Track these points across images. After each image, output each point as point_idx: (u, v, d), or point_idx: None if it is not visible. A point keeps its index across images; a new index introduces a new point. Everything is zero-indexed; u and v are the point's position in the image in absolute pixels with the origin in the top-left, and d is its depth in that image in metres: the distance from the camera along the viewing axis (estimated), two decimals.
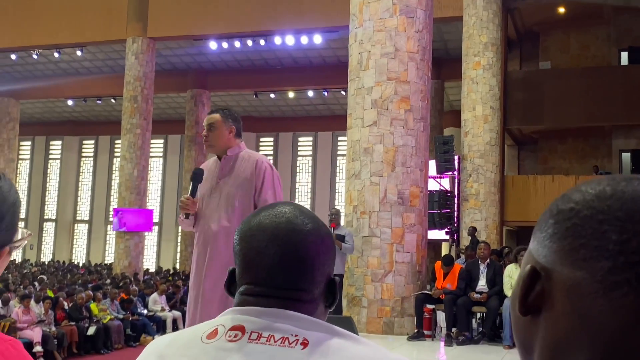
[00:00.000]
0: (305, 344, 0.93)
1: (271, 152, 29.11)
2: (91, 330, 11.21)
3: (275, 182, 3.57)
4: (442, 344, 7.98)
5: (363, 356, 0.94)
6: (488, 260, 8.41)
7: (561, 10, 18.64)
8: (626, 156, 18.94)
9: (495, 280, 8.17)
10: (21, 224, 1.10)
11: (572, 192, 0.65)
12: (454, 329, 8.06)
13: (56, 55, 21.34)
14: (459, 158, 15.49)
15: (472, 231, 13.39)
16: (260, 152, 25.84)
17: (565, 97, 17.32)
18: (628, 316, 0.57)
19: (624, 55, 19.02)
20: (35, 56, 21.75)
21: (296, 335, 0.94)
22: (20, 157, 31.41)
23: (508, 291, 7.94)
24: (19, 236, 1.07)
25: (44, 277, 16.74)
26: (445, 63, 19.90)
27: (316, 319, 0.98)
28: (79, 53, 21.18)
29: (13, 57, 21.68)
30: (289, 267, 0.99)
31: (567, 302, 0.61)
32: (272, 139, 29.06)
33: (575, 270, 0.60)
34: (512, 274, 7.99)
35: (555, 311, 0.62)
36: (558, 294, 0.62)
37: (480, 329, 8.43)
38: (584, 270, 0.60)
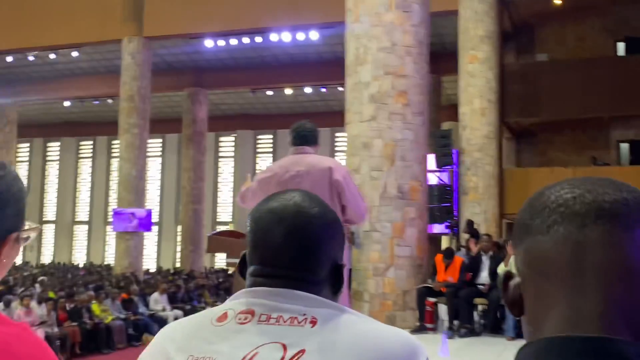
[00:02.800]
0: (314, 322, 0.96)
1: (270, 150, 29.10)
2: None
3: None
4: (445, 336, 7.99)
5: (374, 330, 0.97)
6: (491, 252, 8.42)
7: (557, 1, 18.63)
8: (624, 147, 18.97)
9: (498, 272, 8.18)
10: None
11: None
12: (455, 322, 8.07)
13: (52, 56, 21.32)
14: (457, 152, 15.50)
15: (470, 225, 13.36)
16: (258, 149, 25.61)
17: (562, 89, 17.32)
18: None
19: (621, 46, 19.03)
20: (31, 58, 21.72)
21: (304, 314, 0.97)
22: (18, 159, 31.38)
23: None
24: (27, 227, 1.07)
25: (45, 278, 16.73)
26: (441, 57, 19.85)
27: (323, 299, 1.00)
28: (74, 54, 21.16)
29: (9, 59, 21.64)
30: (293, 247, 1.02)
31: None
32: (270, 136, 29.06)
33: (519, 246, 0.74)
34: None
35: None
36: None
37: (482, 321, 8.45)
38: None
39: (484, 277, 8.29)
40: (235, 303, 1.02)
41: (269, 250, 1.03)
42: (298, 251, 1.02)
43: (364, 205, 3.98)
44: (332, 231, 1.05)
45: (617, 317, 0.66)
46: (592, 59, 18.34)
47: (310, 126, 3.93)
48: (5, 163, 1.07)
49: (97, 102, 25.85)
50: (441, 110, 21.60)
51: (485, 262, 8.35)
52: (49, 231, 31.61)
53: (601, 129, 19.37)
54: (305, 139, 3.84)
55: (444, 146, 15.09)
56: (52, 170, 32.19)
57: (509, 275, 0.75)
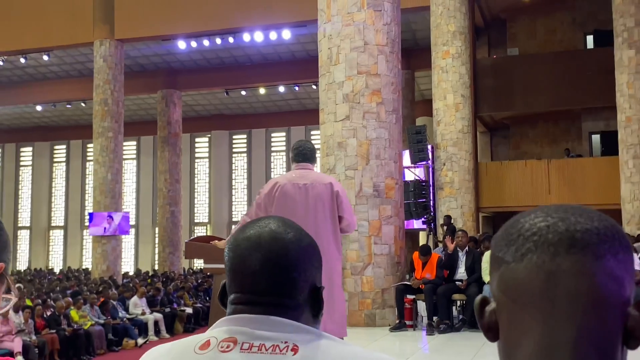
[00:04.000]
0: (295, 349, 0.98)
1: (245, 149, 29.02)
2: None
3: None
4: (424, 333, 8.07)
5: (354, 355, 0.99)
6: (467, 248, 8.50)
7: None
8: (596, 138, 19.24)
9: (475, 267, 8.26)
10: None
11: None
12: (435, 318, 8.15)
13: (22, 60, 21.04)
14: (432, 147, 15.60)
15: (448, 220, 13.51)
16: (234, 149, 25.45)
17: (534, 82, 17.52)
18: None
19: (590, 39, 19.29)
20: (0, 62, 21.42)
21: (286, 342, 0.99)
22: None
23: (487, 277, 8.05)
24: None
25: (21, 285, 16.54)
26: (414, 53, 20.00)
27: (302, 325, 1.02)
28: (45, 58, 20.90)
29: None
30: (270, 273, 1.03)
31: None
32: (245, 136, 28.98)
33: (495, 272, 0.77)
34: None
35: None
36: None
37: (460, 316, 8.53)
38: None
39: (461, 273, 8.37)
40: (217, 331, 1.03)
41: (247, 278, 1.04)
42: (276, 277, 1.03)
43: (355, 219, 4.49)
44: (309, 255, 1.07)
45: (589, 346, 0.69)
46: (562, 52, 18.58)
47: (310, 146, 4.46)
48: None
49: (69, 105, 25.57)
50: (415, 105, 21.72)
51: (462, 258, 8.43)
52: (24, 237, 31.23)
53: (573, 121, 19.63)
54: (306, 157, 4.36)
55: (418, 142, 15.18)
56: (26, 175, 31.78)
57: (485, 301, 0.77)
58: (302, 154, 4.37)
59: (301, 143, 4.48)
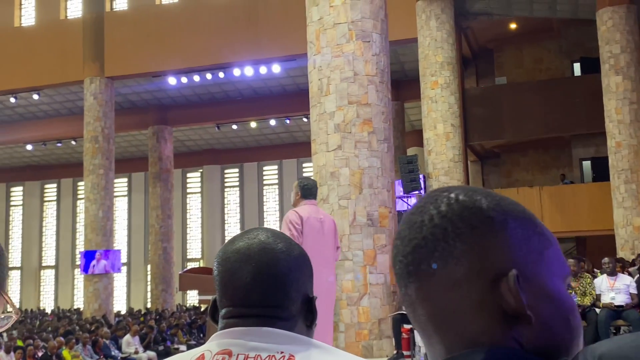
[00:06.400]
0: (291, 359, 0.96)
1: (237, 183, 29.00)
2: None
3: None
4: None
5: None
6: None
7: (512, 26, 19.09)
8: (586, 164, 19.34)
9: None
10: None
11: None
12: None
13: (12, 100, 21.06)
14: (424, 177, 15.63)
15: None
16: (226, 184, 25.36)
17: (523, 111, 17.65)
18: None
19: (577, 66, 19.51)
20: None
21: (282, 353, 0.97)
22: None
23: None
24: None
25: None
26: (403, 84, 20.15)
27: (297, 335, 1.00)
28: (35, 97, 20.94)
29: None
30: (262, 284, 1.02)
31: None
32: (237, 170, 28.99)
33: None
34: None
35: None
36: None
37: None
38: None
39: None
40: (212, 345, 1.01)
41: (238, 291, 1.02)
42: (268, 288, 1.02)
43: None
44: (300, 265, 1.06)
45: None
46: (549, 80, 18.77)
47: (316, 184, 5.20)
48: None
49: (60, 144, 25.55)
50: (406, 136, 21.83)
51: None
52: (15, 278, 30.90)
53: (563, 148, 19.75)
54: (315, 195, 5.08)
55: (410, 172, 15.22)
56: (16, 215, 31.59)
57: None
58: (313, 193, 5.05)
59: (310, 181, 5.10)
